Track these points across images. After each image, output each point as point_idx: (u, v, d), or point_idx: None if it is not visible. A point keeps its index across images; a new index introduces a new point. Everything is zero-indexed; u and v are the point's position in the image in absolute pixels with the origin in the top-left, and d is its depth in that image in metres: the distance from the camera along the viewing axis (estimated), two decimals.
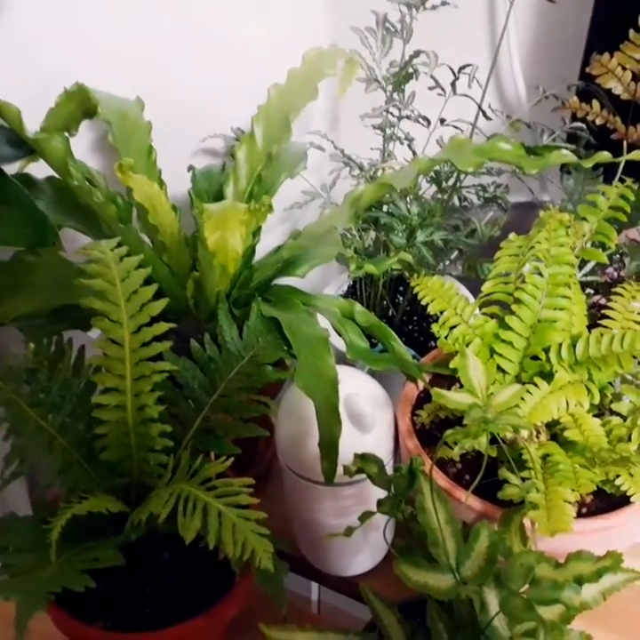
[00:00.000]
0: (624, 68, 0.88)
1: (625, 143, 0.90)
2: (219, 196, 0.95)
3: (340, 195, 0.92)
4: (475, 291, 0.89)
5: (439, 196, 1.01)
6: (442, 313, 0.79)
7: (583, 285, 0.85)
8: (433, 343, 0.99)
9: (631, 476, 0.66)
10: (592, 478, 0.67)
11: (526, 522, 0.65)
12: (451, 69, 0.94)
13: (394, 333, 0.83)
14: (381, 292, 1.06)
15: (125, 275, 0.66)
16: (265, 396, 0.74)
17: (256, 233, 0.87)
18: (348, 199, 0.86)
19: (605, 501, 0.70)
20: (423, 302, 0.80)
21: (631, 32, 0.86)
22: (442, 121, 0.97)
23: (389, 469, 0.79)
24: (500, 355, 0.76)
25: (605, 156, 0.78)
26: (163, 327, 0.67)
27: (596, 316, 0.80)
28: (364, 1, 0.96)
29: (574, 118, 0.96)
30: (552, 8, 0.94)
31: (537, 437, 0.72)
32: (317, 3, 1.05)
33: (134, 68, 0.90)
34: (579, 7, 1.11)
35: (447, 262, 1.03)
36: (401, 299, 1.11)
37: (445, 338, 0.78)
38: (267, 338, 0.77)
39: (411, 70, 0.96)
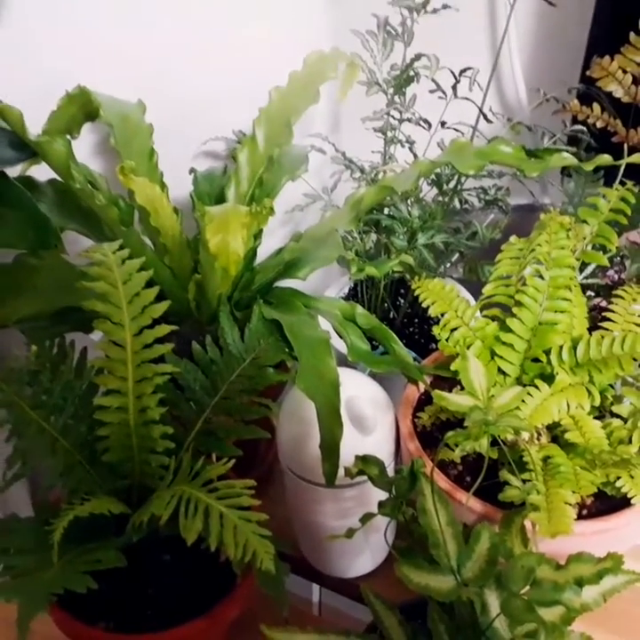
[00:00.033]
0: (625, 71, 0.88)
1: (625, 146, 0.90)
2: (220, 199, 0.95)
3: (341, 197, 0.93)
4: (476, 293, 0.89)
5: (440, 198, 1.01)
6: (443, 315, 0.79)
7: (584, 288, 0.86)
8: (434, 345, 0.99)
9: (632, 477, 0.67)
10: (593, 480, 0.67)
11: (527, 523, 0.65)
12: (452, 72, 0.95)
13: (395, 336, 0.83)
14: (382, 295, 1.07)
15: (127, 277, 0.66)
16: (266, 398, 0.74)
17: (257, 235, 0.87)
18: (349, 202, 0.86)
19: (606, 503, 0.70)
20: (424, 305, 0.80)
21: (632, 35, 0.86)
22: (443, 124, 0.98)
23: (390, 471, 0.79)
24: (501, 357, 0.76)
25: (606, 158, 0.78)
26: (164, 329, 0.67)
27: (596, 319, 0.80)
28: (365, 4, 0.96)
29: (575, 121, 0.96)
30: (553, 11, 0.95)
31: (538, 439, 0.72)
32: (319, 6, 1.06)
33: (136, 71, 0.90)
34: (579, 10, 1.11)
35: (448, 265, 1.03)
36: (402, 301, 1.11)
37: (446, 340, 0.78)
38: (268, 340, 0.77)
39: (412, 73, 0.97)
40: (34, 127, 0.71)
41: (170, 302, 0.68)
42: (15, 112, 0.70)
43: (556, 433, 0.73)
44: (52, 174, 0.77)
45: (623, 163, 0.82)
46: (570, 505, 0.64)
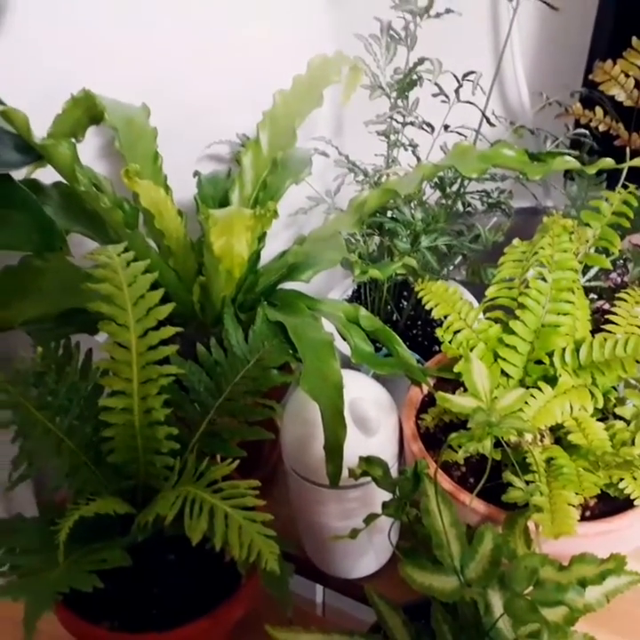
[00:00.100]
0: (627, 75, 0.88)
1: (628, 150, 0.91)
2: (224, 202, 0.95)
3: (345, 200, 0.93)
4: (478, 296, 0.90)
5: (443, 201, 1.01)
6: (446, 317, 0.80)
7: (587, 291, 0.86)
8: (437, 348, 0.99)
9: (635, 479, 0.67)
10: (596, 482, 0.67)
11: (530, 525, 0.66)
12: (454, 76, 0.95)
13: (398, 338, 0.83)
14: (386, 297, 1.07)
15: (132, 279, 0.67)
16: (270, 399, 0.74)
17: (261, 238, 0.87)
18: (352, 205, 0.87)
19: (609, 505, 0.70)
20: (427, 307, 0.80)
21: (634, 39, 0.87)
22: (446, 127, 0.98)
23: (394, 473, 0.79)
24: (504, 359, 0.76)
25: (608, 162, 0.78)
26: (169, 331, 0.68)
27: (599, 322, 0.80)
28: (368, 8, 0.96)
29: (577, 125, 0.97)
30: (555, 15, 0.95)
31: (541, 441, 0.73)
32: (323, 11, 1.06)
33: (140, 75, 0.91)
34: (582, 14, 1.12)
35: (451, 267, 1.04)
36: (405, 303, 1.12)
37: (449, 342, 0.78)
38: (272, 342, 0.77)
39: (415, 77, 0.97)
40: (38, 131, 0.72)
41: (174, 304, 0.68)
42: (21, 115, 0.70)
43: (559, 435, 0.73)
44: (57, 177, 0.77)
45: (626, 166, 0.82)
46: (573, 506, 0.64)
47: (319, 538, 0.85)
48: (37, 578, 0.61)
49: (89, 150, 0.91)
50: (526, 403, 0.70)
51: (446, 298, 0.81)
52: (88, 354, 0.74)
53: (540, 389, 0.72)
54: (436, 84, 0.95)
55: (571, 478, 0.67)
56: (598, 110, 0.92)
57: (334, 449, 0.70)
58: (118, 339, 0.67)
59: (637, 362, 0.71)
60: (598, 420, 0.72)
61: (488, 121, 0.98)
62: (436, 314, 0.80)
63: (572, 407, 0.70)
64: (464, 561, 0.60)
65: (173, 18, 0.91)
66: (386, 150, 1.03)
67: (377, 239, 1.01)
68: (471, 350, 0.77)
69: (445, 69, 0.95)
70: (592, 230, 0.81)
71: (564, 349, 0.75)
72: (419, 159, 1.02)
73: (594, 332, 0.78)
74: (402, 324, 1.09)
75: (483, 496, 0.69)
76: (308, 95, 0.95)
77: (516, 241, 0.81)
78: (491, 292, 0.80)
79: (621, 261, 0.93)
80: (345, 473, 0.70)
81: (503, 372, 0.76)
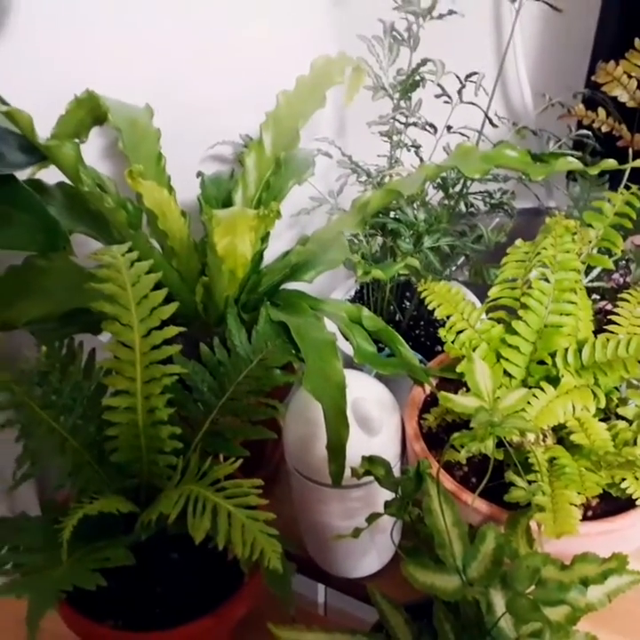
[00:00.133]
0: (630, 76, 0.89)
1: (630, 150, 0.91)
2: (227, 202, 0.96)
3: (348, 201, 0.93)
4: (481, 296, 0.90)
5: (446, 202, 1.02)
6: (449, 318, 0.80)
7: (589, 291, 0.86)
8: (439, 348, 1.00)
9: (637, 479, 0.67)
10: (598, 481, 0.67)
11: (532, 524, 0.66)
12: (457, 77, 0.95)
13: (401, 338, 0.83)
14: (388, 298, 1.07)
15: (136, 279, 0.67)
16: (273, 399, 0.74)
17: (264, 238, 0.87)
18: (355, 205, 0.87)
19: (611, 504, 0.70)
20: (430, 307, 0.81)
21: (637, 40, 0.87)
22: (448, 128, 0.98)
23: (396, 472, 0.80)
24: (507, 359, 0.77)
25: (611, 163, 0.78)
26: (173, 331, 0.68)
27: (602, 322, 0.80)
28: (371, 10, 0.96)
29: (580, 126, 0.97)
30: (558, 16, 0.95)
31: (543, 441, 0.73)
32: (326, 11, 1.06)
33: (143, 76, 0.91)
34: (585, 15, 1.12)
35: (454, 268, 1.04)
36: (408, 304, 1.12)
37: (452, 342, 0.78)
38: (275, 342, 0.77)
39: (417, 78, 0.97)
40: (42, 131, 0.72)
41: (178, 304, 0.69)
42: (25, 116, 0.70)
43: (561, 435, 0.73)
44: (61, 177, 0.78)
45: (628, 167, 0.82)
46: (575, 506, 0.65)
47: (321, 537, 0.85)
48: (41, 576, 0.61)
49: (92, 151, 0.91)
50: (529, 403, 0.70)
51: (449, 298, 0.81)
52: (91, 353, 0.74)
53: (542, 389, 0.72)
54: (439, 85, 0.96)
55: (573, 478, 0.67)
56: (601, 111, 0.93)
57: (337, 448, 0.70)
58: (122, 338, 0.67)
59: (639, 362, 0.71)
60: (600, 420, 0.72)
61: (491, 122, 0.98)
62: (438, 314, 0.80)
63: (574, 407, 0.70)
64: (466, 560, 0.61)
65: (174, 18, 0.92)
66: (389, 151, 1.03)
67: (380, 240, 1.01)
68: (474, 350, 0.77)
69: (448, 70, 0.95)
70: (594, 231, 0.82)
71: (566, 350, 0.75)
72: (421, 160, 1.02)
73: (596, 332, 0.78)
74: (404, 324, 1.09)
75: (485, 496, 0.69)
76: (311, 96, 0.95)
77: (518, 241, 0.81)
78: (493, 292, 0.80)
79: (624, 262, 0.93)
80: (347, 472, 0.70)
81: (506, 373, 0.77)
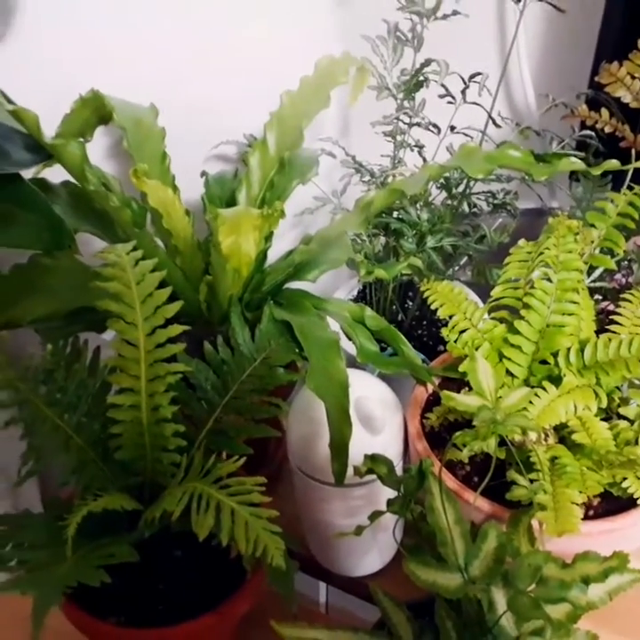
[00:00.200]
0: (633, 77, 0.89)
1: (633, 151, 0.91)
2: (231, 202, 0.96)
3: (351, 200, 0.94)
4: (484, 296, 0.90)
5: (449, 202, 1.02)
6: (451, 317, 0.80)
7: (591, 291, 0.86)
8: (442, 348, 1.00)
9: (638, 478, 0.67)
10: (599, 481, 0.68)
11: (534, 523, 0.66)
12: (461, 78, 0.95)
13: (403, 337, 0.84)
14: (391, 297, 1.07)
15: (140, 278, 0.67)
16: (276, 397, 0.74)
17: (268, 238, 0.88)
18: (358, 205, 0.87)
19: (612, 504, 0.70)
20: (433, 307, 0.81)
21: None
22: (452, 128, 0.98)
23: (399, 471, 0.80)
24: (509, 359, 0.77)
25: (614, 163, 0.78)
26: (177, 329, 0.68)
27: (604, 322, 0.81)
28: (375, 10, 0.97)
29: (583, 126, 0.97)
30: (562, 17, 0.95)
31: (545, 440, 0.73)
32: (330, 12, 1.07)
33: (148, 76, 0.91)
34: (588, 16, 1.12)
35: (456, 268, 1.04)
36: (410, 303, 1.12)
37: (455, 342, 0.79)
38: (278, 340, 0.77)
39: (421, 78, 0.97)
40: (47, 130, 0.72)
41: (182, 302, 0.69)
42: (31, 115, 0.70)
43: (563, 434, 0.74)
44: (65, 176, 0.78)
45: (631, 167, 0.82)
46: (576, 505, 0.65)
47: (324, 536, 0.85)
48: (45, 572, 0.62)
49: (97, 150, 0.92)
50: (531, 402, 0.70)
51: (452, 298, 0.81)
52: (96, 351, 0.75)
53: (544, 389, 0.72)
54: (443, 86, 0.96)
55: (574, 477, 0.67)
56: (604, 112, 0.93)
57: (340, 447, 0.71)
58: (126, 336, 0.67)
59: None
60: (602, 419, 0.72)
61: (494, 122, 0.98)
62: (441, 313, 0.80)
63: (576, 407, 0.71)
64: (468, 558, 0.61)
65: (173, 18, 0.92)
66: (392, 151, 1.03)
67: (383, 239, 1.02)
68: (476, 350, 0.77)
69: (452, 71, 0.95)
70: (597, 231, 0.82)
71: (568, 349, 0.75)
72: (425, 160, 1.02)
73: (598, 332, 0.78)
74: (407, 323, 1.09)
75: (487, 494, 0.69)
76: (315, 96, 0.95)
77: (521, 241, 0.81)
78: (496, 292, 0.80)
79: (626, 262, 0.93)
80: (350, 471, 0.70)
81: (508, 372, 0.77)
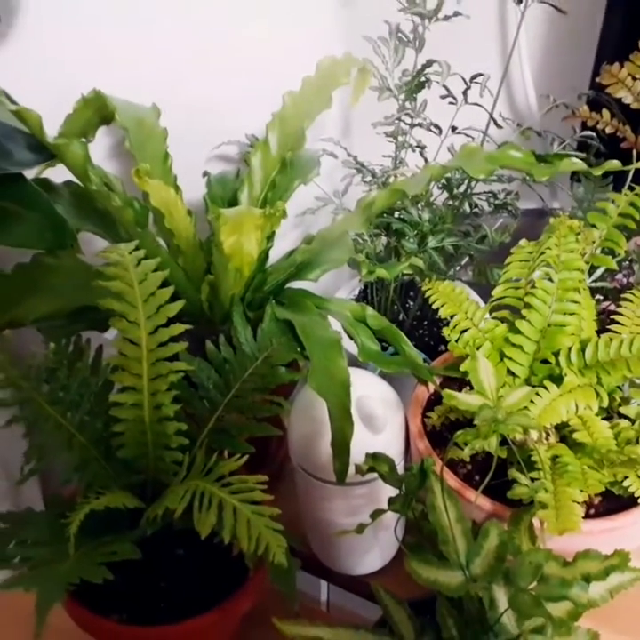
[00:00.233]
0: (634, 78, 0.89)
1: (634, 152, 0.91)
2: (233, 202, 0.96)
3: (353, 201, 0.94)
4: (485, 296, 0.90)
5: (450, 202, 1.02)
6: (452, 317, 0.80)
7: (593, 291, 0.86)
8: (443, 347, 1.00)
9: (638, 477, 0.67)
10: (600, 479, 0.68)
11: (535, 521, 0.66)
12: (462, 78, 0.95)
13: (405, 337, 0.84)
14: (392, 297, 1.08)
15: (143, 277, 0.67)
16: (278, 396, 0.75)
17: (270, 237, 0.88)
18: (360, 205, 0.87)
19: (613, 502, 0.71)
20: (434, 306, 0.81)
21: None
22: (453, 129, 0.98)
23: (400, 470, 0.80)
24: (510, 358, 0.77)
25: (615, 164, 0.79)
26: (179, 328, 0.68)
27: (605, 322, 0.81)
28: (376, 11, 0.97)
29: (584, 127, 0.97)
30: (563, 18, 0.95)
31: (546, 439, 0.73)
32: (332, 13, 1.07)
33: (150, 77, 0.91)
34: (589, 17, 1.12)
35: (458, 268, 1.04)
36: (411, 303, 1.12)
37: (456, 341, 0.79)
38: (280, 340, 0.77)
39: (423, 79, 0.97)
40: (49, 130, 0.72)
41: (184, 301, 0.69)
42: (34, 115, 0.70)
43: (564, 433, 0.74)
44: (68, 176, 0.78)
45: (632, 168, 0.83)
46: (577, 503, 0.65)
47: (325, 534, 0.85)
48: (48, 569, 0.62)
49: (99, 150, 0.92)
50: (532, 401, 0.70)
51: (453, 297, 0.81)
52: (99, 350, 0.75)
53: (545, 388, 0.72)
54: (444, 86, 0.96)
55: (575, 476, 0.67)
56: (605, 113, 0.93)
57: (341, 446, 0.71)
58: (129, 335, 0.68)
59: None
60: (603, 418, 0.73)
61: (495, 123, 0.98)
62: (442, 313, 0.80)
63: (577, 406, 0.71)
64: (469, 556, 0.61)
65: (173, 18, 0.92)
66: (394, 151, 1.03)
67: (384, 239, 1.02)
68: (477, 349, 0.77)
69: (453, 71, 0.95)
70: (598, 231, 0.82)
71: (569, 349, 0.75)
72: (426, 160, 1.02)
73: (599, 332, 0.78)
74: (408, 323, 1.09)
75: (488, 493, 0.69)
76: (317, 96, 0.96)
77: (522, 241, 0.81)
78: (497, 291, 0.80)
79: (627, 262, 0.94)
80: (351, 470, 0.71)
81: (509, 371, 0.77)
